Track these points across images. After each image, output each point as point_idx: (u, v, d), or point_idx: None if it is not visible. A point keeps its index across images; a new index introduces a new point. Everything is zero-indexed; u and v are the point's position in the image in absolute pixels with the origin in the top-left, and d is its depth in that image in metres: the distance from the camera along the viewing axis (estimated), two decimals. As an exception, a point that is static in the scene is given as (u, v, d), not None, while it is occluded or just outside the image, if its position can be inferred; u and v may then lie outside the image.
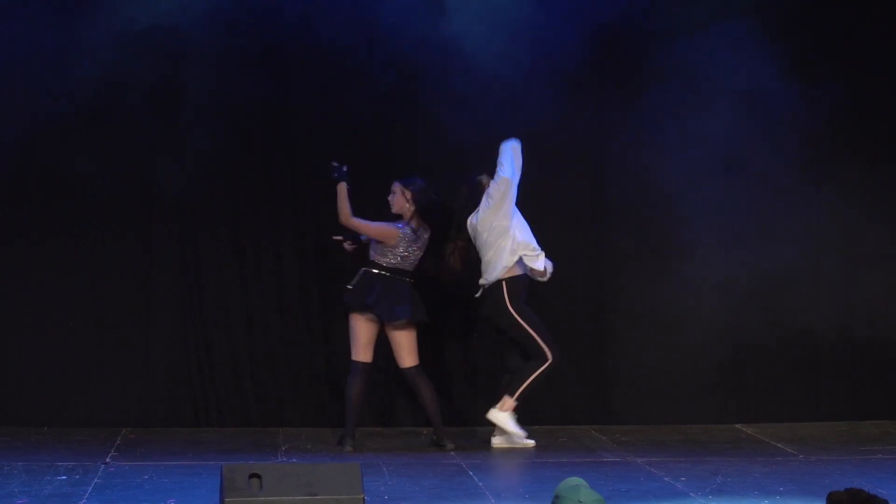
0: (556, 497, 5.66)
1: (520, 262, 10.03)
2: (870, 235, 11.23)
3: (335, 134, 10.82)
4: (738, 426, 11.06)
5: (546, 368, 9.99)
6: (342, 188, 9.96)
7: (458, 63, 10.51)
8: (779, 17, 11.13)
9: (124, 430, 10.45)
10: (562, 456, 9.87)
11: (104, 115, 10.59)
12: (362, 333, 9.95)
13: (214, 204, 10.79)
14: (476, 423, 10.74)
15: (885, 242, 11.29)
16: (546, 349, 9.98)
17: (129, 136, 10.64)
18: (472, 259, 10.25)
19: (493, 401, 10.19)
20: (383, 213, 10.12)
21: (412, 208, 9.99)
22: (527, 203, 10.20)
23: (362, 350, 9.97)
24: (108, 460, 9.36)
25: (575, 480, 5.72)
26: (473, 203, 10.14)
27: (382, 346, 10.07)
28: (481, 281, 10.15)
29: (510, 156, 10.01)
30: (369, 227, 9.99)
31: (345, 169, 9.99)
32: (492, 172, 10.08)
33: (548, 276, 10.23)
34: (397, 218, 10.05)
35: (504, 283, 10.03)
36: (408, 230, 9.99)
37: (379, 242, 9.97)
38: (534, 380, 9.99)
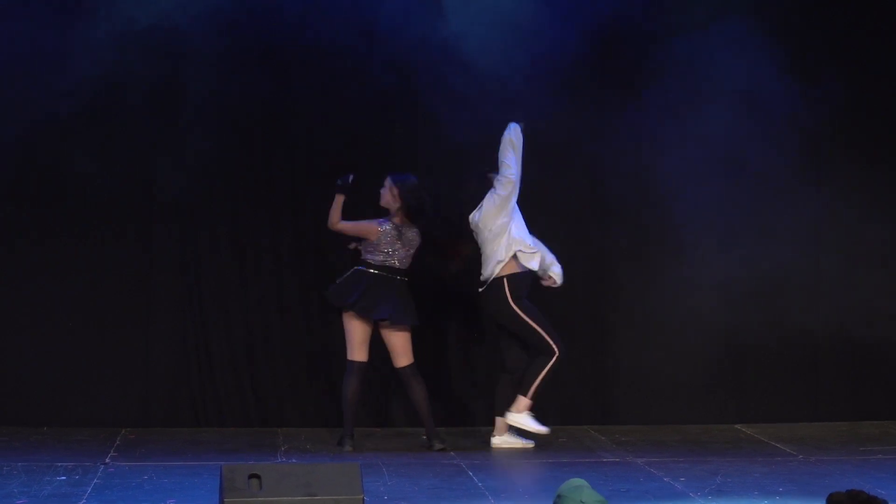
0: (559, 497, 5.67)
1: (520, 259, 10.04)
2: (870, 235, 11.23)
3: (335, 134, 10.83)
4: (737, 426, 11.06)
5: (554, 363, 10.00)
6: (339, 198, 9.98)
7: (458, 63, 10.51)
8: (778, 17, 11.13)
9: (124, 430, 10.45)
10: (561, 456, 9.87)
11: (104, 115, 10.59)
12: (355, 332, 9.95)
13: (214, 204, 10.80)
14: (476, 423, 10.75)
15: (885, 242, 11.29)
16: (552, 344, 9.99)
17: (129, 136, 10.65)
18: (473, 257, 10.28)
19: (493, 400, 10.21)
20: (383, 212, 10.12)
21: (397, 205, 10.00)
22: (526, 203, 10.20)
23: (357, 349, 9.98)
24: (107, 460, 9.36)
25: (577, 481, 5.73)
26: (479, 198, 10.13)
27: (377, 346, 10.07)
28: (482, 277, 10.15)
29: (514, 154, 9.99)
30: (351, 227, 10.03)
31: (350, 179, 9.99)
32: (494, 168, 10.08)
33: (559, 282, 10.25)
34: (384, 212, 10.06)
35: (506, 279, 10.03)
36: (388, 226, 9.98)
37: (365, 240, 9.99)
38: (545, 376, 10.00)
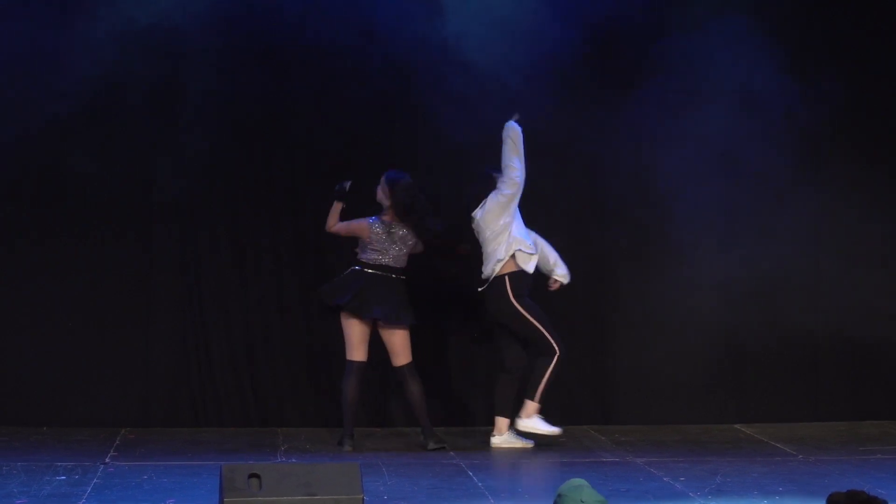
0: (559, 497, 5.68)
1: (518, 259, 10.04)
2: (869, 235, 11.23)
3: (335, 134, 10.83)
4: (737, 426, 11.06)
5: (557, 363, 10.01)
6: (337, 205, 10.03)
7: (458, 63, 10.51)
8: (778, 16, 11.13)
9: (124, 430, 10.45)
10: (561, 456, 9.87)
11: (104, 115, 10.59)
12: (352, 332, 9.96)
13: (214, 204, 10.80)
14: (476, 423, 10.76)
15: (884, 242, 11.29)
16: (553, 343, 10.00)
17: (129, 136, 10.65)
18: (471, 257, 10.28)
19: (493, 400, 10.21)
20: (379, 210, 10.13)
21: (388, 203, 10.00)
22: (526, 202, 10.20)
23: (355, 349, 9.98)
24: (107, 460, 9.36)
25: (577, 481, 5.74)
26: (481, 196, 10.12)
27: (377, 346, 10.07)
28: (482, 276, 10.15)
29: (517, 155, 9.98)
30: (344, 227, 10.08)
31: (347, 186, 10.01)
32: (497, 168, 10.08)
33: (566, 281, 10.26)
34: (379, 209, 10.08)
35: (507, 277, 10.04)
36: (378, 224, 9.99)
37: (360, 239, 10.00)
38: (549, 377, 10.02)
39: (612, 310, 11.15)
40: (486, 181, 10.15)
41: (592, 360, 11.11)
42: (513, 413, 10.16)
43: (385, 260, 9.97)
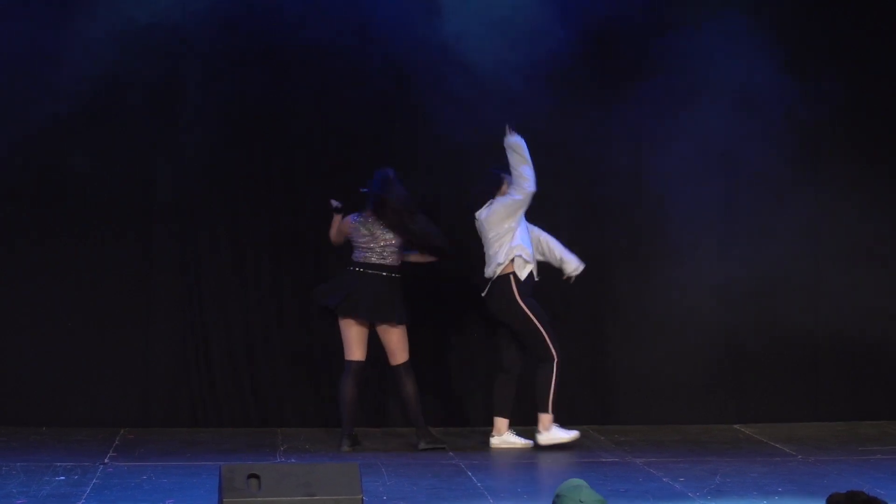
0: (558, 497, 5.68)
1: (515, 264, 10.03)
2: (869, 235, 11.23)
3: (335, 134, 10.84)
4: (736, 426, 11.06)
5: (557, 370, 10.01)
6: (336, 218, 10.12)
7: (457, 63, 10.51)
8: (778, 16, 11.13)
9: (123, 430, 10.45)
10: (560, 456, 9.88)
11: (104, 115, 10.60)
12: (349, 332, 9.97)
13: (214, 204, 10.80)
14: (475, 423, 10.75)
15: (884, 242, 11.29)
16: (552, 348, 10.00)
17: (129, 136, 10.65)
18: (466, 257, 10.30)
19: (492, 400, 10.21)
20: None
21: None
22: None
23: (352, 349, 9.99)
24: (106, 461, 9.36)
25: (576, 481, 5.74)
26: (487, 195, 10.11)
27: (375, 346, 10.07)
28: (485, 275, 10.14)
29: (525, 164, 9.95)
30: (335, 231, 10.19)
31: (340, 206, 10.08)
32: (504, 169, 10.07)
33: (581, 268, 10.25)
34: None
35: (511, 276, 10.03)
36: (358, 220, 10.00)
37: (349, 238, 10.03)
38: (555, 385, 10.02)
39: (611, 310, 11.15)
40: (492, 180, 10.13)
41: (592, 360, 11.11)
42: (512, 413, 10.15)
43: (374, 258, 9.96)
